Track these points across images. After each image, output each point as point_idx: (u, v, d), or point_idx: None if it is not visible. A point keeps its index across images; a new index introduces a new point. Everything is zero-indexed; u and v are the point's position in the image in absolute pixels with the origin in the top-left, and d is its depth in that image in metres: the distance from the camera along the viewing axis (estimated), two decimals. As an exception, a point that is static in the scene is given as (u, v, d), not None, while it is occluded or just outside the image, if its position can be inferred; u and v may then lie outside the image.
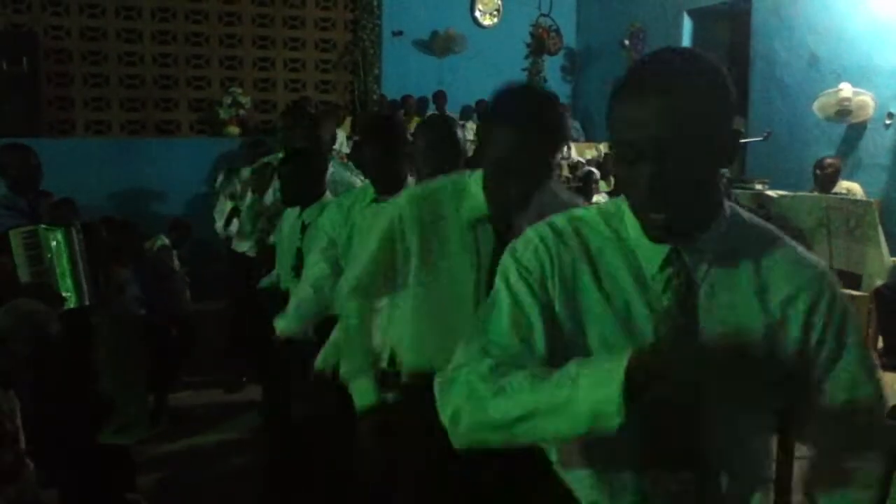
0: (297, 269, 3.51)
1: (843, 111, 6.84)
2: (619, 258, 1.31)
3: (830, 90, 6.90)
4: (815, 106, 6.98)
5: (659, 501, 1.33)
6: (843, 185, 6.12)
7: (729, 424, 1.31)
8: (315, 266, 2.96)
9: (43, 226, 3.54)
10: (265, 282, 3.89)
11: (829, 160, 6.16)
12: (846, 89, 6.79)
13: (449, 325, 1.87)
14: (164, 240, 5.24)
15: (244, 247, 4.83)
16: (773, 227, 1.40)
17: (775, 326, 1.28)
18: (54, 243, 3.51)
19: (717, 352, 1.23)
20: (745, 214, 1.37)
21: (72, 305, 3.47)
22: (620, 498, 1.33)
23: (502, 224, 1.92)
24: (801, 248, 1.37)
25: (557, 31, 9.53)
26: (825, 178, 6.02)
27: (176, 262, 4.97)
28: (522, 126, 1.76)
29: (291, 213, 3.66)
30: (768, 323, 1.28)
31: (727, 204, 1.33)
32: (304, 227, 3.51)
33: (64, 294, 3.51)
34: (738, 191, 5.79)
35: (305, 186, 3.51)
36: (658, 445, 1.29)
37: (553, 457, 1.40)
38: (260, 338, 3.71)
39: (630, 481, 1.33)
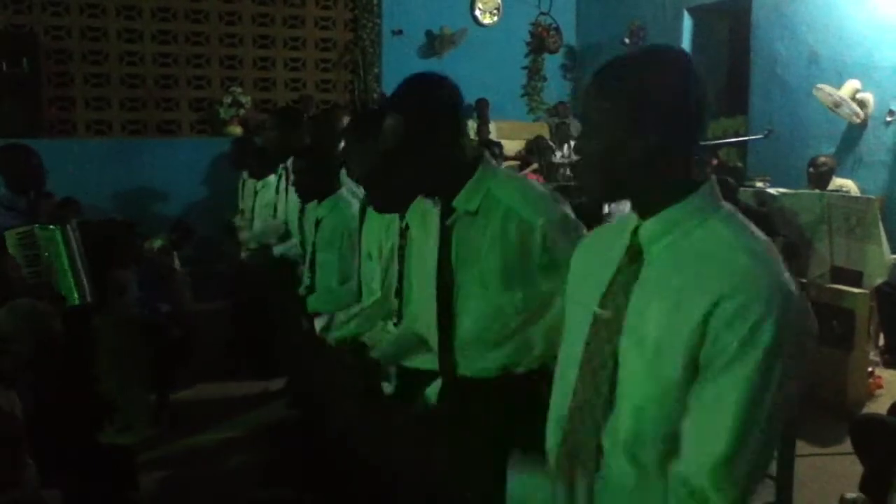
0: (312, 264, 3.55)
1: (833, 109, 6.84)
2: None
3: (830, 86, 6.89)
4: (815, 93, 6.95)
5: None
6: (837, 182, 6.13)
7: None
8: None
9: (38, 225, 3.55)
10: (279, 249, 3.95)
11: (822, 158, 6.16)
12: (848, 87, 6.78)
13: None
14: (164, 240, 5.24)
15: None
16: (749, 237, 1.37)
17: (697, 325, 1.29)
18: (51, 242, 3.51)
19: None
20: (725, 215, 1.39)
21: (74, 303, 3.48)
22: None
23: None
24: (760, 261, 1.32)
25: (557, 29, 9.53)
26: (819, 176, 6.02)
27: (177, 263, 4.97)
28: (390, 113, 2.02)
29: (311, 209, 3.70)
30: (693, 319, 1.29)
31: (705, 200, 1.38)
32: (317, 223, 3.54)
33: (64, 292, 3.52)
34: (739, 188, 5.78)
35: (320, 182, 3.54)
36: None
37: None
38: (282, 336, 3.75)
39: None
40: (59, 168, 4.63)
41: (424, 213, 2.26)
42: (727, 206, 1.40)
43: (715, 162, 6.96)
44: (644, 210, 1.40)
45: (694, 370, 1.29)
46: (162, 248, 5.14)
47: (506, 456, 1.57)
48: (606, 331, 1.41)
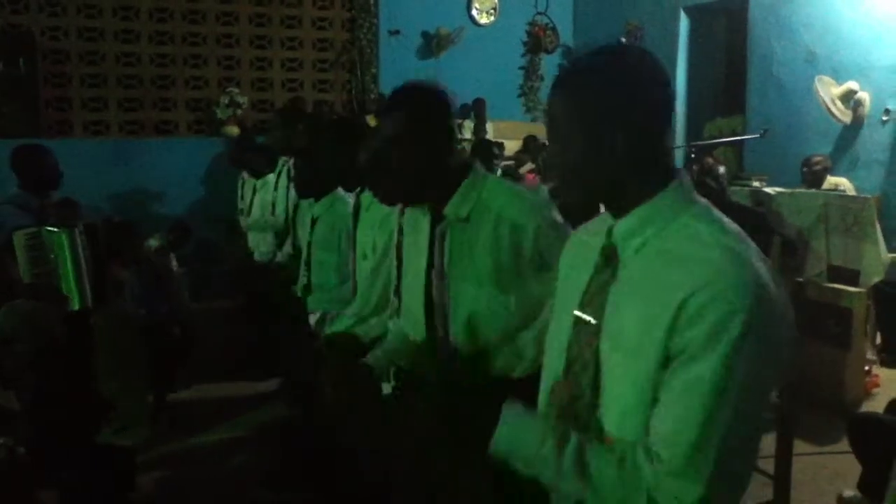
0: (308, 262, 3.56)
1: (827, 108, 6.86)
2: None
3: (830, 82, 6.90)
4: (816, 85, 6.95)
5: None
6: (832, 181, 6.14)
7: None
8: None
9: (47, 227, 3.56)
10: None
11: (816, 157, 6.19)
12: (846, 88, 6.79)
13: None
14: (161, 240, 5.23)
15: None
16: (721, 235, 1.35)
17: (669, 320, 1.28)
18: (58, 245, 3.53)
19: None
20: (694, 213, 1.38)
21: (73, 307, 3.49)
22: None
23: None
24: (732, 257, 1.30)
25: (554, 29, 9.52)
26: (813, 175, 6.05)
27: (174, 263, 4.97)
28: (381, 121, 2.16)
29: (307, 208, 3.71)
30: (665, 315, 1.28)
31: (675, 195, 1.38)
32: (314, 222, 3.55)
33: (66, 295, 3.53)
34: (735, 188, 5.79)
35: (318, 180, 3.54)
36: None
37: None
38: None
39: None
40: (56, 168, 4.63)
41: (416, 218, 2.27)
42: (701, 201, 1.39)
43: (696, 167, 6.97)
44: (617, 209, 1.41)
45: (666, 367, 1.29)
46: (159, 248, 5.14)
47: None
48: (587, 333, 1.40)
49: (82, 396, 3.24)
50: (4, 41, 7.42)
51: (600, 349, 1.37)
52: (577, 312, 1.43)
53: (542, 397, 1.54)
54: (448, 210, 2.07)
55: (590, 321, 1.40)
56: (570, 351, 1.43)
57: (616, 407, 1.35)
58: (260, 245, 5.54)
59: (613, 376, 1.35)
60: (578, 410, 1.40)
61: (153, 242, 5.16)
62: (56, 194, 4.30)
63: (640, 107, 1.35)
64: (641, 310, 1.31)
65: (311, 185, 3.59)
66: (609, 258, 1.40)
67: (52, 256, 3.52)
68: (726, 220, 1.38)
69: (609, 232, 1.41)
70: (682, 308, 1.25)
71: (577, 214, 1.65)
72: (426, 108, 2.06)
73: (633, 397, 1.32)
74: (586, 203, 1.48)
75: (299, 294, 3.63)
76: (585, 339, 1.40)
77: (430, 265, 2.11)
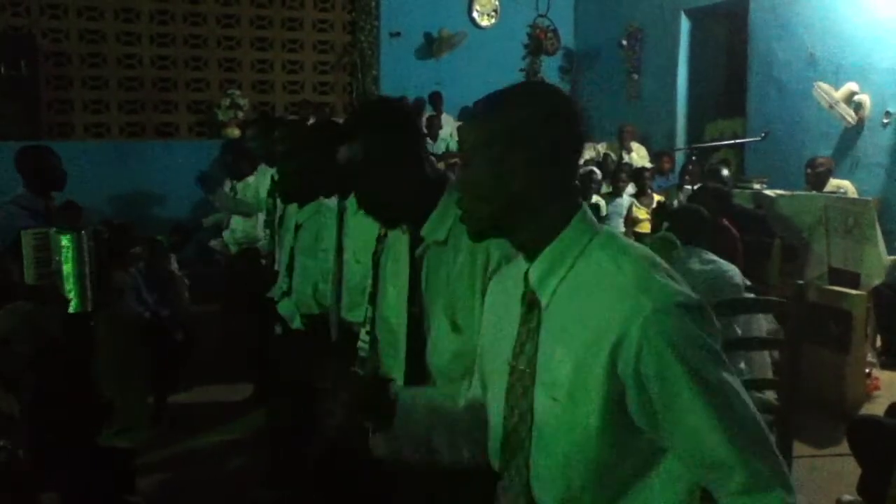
0: (290, 268, 3.54)
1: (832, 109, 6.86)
2: None
3: (830, 85, 6.91)
4: (815, 92, 6.96)
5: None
6: (835, 184, 6.15)
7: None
8: None
9: (54, 229, 3.59)
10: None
11: (820, 159, 6.19)
12: (846, 90, 6.79)
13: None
14: (163, 242, 5.23)
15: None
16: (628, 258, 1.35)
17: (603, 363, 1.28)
18: (64, 248, 3.54)
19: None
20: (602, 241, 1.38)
21: (73, 310, 3.50)
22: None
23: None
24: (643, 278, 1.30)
25: (555, 31, 9.52)
26: (816, 178, 6.05)
27: (175, 265, 4.97)
28: (352, 133, 2.02)
29: (291, 214, 3.68)
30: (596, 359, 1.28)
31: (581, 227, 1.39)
32: (297, 227, 3.53)
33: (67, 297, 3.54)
34: (736, 190, 5.80)
35: (300, 186, 3.52)
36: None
37: None
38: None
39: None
40: (57, 170, 4.63)
41: (396, 237, 2.18)
42: (601, 228, 1.40)
43: (697, 168, 6.98)
44: (528, 253, 1.40)
45: (618, 414, 1.28)
46: (159, 249, 5.12)
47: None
48: (521, 383, 1.39)
49: (82, 397, 3.25)
50: (6, 43, 7.44)
51: (536, 399, 1.36)
52: (511, 362, 1.41)
53: (490, 452, 1.50)
54: (425, 232, 1.98)
55: (524, 370, 1.38)
56: (508, 401, 1.41)
57: (555, 455, 1.33)
58: (236, 231, 5.61)
59: (552, 426, 1.34)
60: (520, 466, 1.39)
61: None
62: (57, 196, 4.31)
63: (546, 137, 1.35)
64: (571, 357, 1.31)
65: (293, 192, 3.56)
66: (531, 305, 1.39)
67: (57, 258, 3.54)
68: (627, 241, 1.40)
69: (525, 278, 1.40)
70: (615, 360, 1.26)
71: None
72: (381, 133, 1.98)
73: (574, 445, 1.30)
74: (487, 232, 1.44)
75: (276, 299, 3.62)
76: (520, 390, 1.39)
77: (410, 294, 2.03)
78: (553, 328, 1.35)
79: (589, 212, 1.41)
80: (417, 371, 2.03)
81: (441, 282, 1.96)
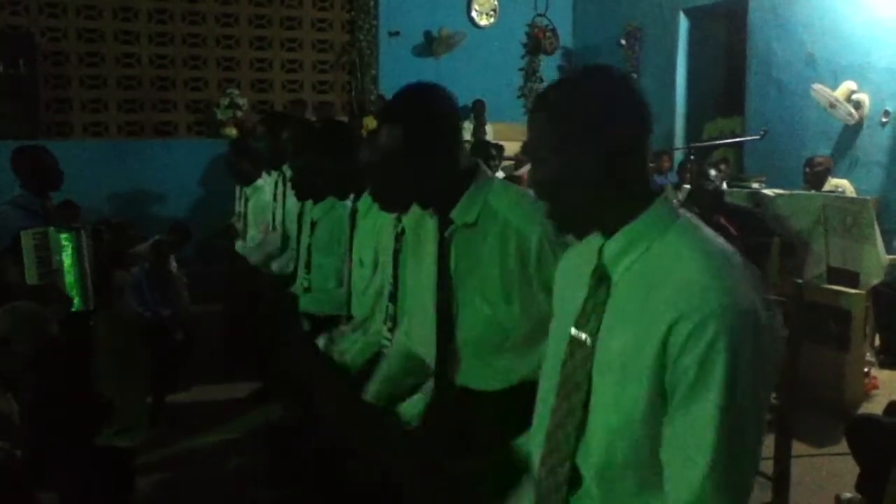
0: (308, 265, 3.55)
1: (829, 109, 6.87)
2: None
3: (828, 86, 6.92)
4: (813, 93, 6.97)
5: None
6: (833, 183, 6.15)
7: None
8: None
9: (53, 228, 3.58)
10: (276, 266, 3.94)
11: (818, 158, 6.20)
12: (845, 89, 6.80)
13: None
14: (165, 242, 5.22)
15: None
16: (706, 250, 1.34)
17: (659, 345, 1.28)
18: (64, 246, 3.54)
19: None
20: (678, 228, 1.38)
21: (75, 309, 3.50)
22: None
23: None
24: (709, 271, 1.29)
25: (554, 30, 9.52)
26: (815, 177, 6.05)
27: (174, 265, 4.97)
28: (381, 124, 2.09)
29: (307, 209, 3.69)
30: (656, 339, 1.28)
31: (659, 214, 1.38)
32: (312, 225, 3.54)
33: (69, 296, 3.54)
34: (734, 189, 5.80)
35: (313, 185, 3.53)
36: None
37: None
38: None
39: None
40: (56, 170, 4.63)
41: (419, 222, 2.24)
42: (685, 214, 1.39)
43: (689, 165, 6.98)
44: (606, 229, 1.40)
45: (660, 399, 1.28)
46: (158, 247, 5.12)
47: (506, 465, 1.57)
48: (581, 353, 1.40)
49: (82, 397, 3.25)
50: (4, 42, 7.44)
51: (593, 371, 1.37)
52: (573, 332, 1.42)
53: (537, 419, 1.54)
54: (455, 215, 2.03)
55: (584, 341, 1.40)
56: (564, 370, 1.43)
57: (602, 430, 1.35)
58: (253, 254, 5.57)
59: (601, 400, 1.35)
60: (568, 433, 1.40)
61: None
62: (56, 195, 4.30)
63: (619, 124, 1.35)
64: (629, 334, 1.31)
65: (307, 190, 3.58)
66: (601, 279, 1.40)
67: (58, 258, 3.54)
68: (710, 233, 1.38)
69: (599, 252, 1.40)
70: (668, 337, 1.25)
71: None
72: (425, 118, 2.01)
73: (620, 422, 1.31)
74: (574, 225, 1.45)
75: (299, 294, 3.62)
76: (579, 360, 1.40)
77: (439, 271, 2.07)
78: (619, 305, 1.36)
79: (671, 198, 1.41)
80: (447, 345, 2.09)
81: (472, 262, 2.02)
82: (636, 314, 1.31)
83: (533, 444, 1.53)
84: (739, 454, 1.24)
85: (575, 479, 1.40)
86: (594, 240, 1.44)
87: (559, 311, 1.55)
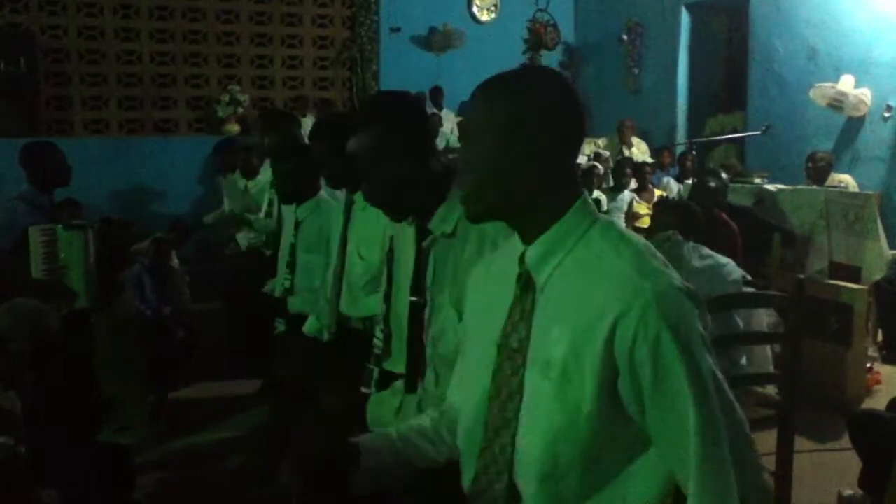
0: (292, 265, 3.54)
1: (835, 105, 6.84)
2: None
3: (828, 83, 6.90)
4: (812, 94, 6.97)
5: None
6: (836, 178, 6.14)
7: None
8: None
9: (61, 225, 3.60)
10: (268, 287, 3.91)
11: (820, 154, 6.19)
12: (845, 83, 6.78)
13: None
14: (166, 240, 5.21)
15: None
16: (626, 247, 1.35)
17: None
18: (71, 245, 3.55)
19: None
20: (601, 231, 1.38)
21: (81, 305, 3.51)
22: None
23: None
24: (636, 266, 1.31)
25: (555, 26, 9.51)
26: (817, 172, 6.04)
27: (175, 262, 4.96)
28: (360, 128, 2.04)
29: (289, 211, 3.68)
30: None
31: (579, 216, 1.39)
32: (297, 225, 3.53)
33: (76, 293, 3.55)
34: (736, 185, 5.78)
35: (301, 183, 3.52)
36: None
37: None
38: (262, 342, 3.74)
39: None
40: (56, 167, 4.62)
41: (400, 229, 2.22)
42: (602, 217, 1.41)
43: (688, 162, 6.96)
44: (526, 236, 1.40)
45: (609, 398, 1.28)
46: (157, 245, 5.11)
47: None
48: (512, 361, 1.39)
49: (82, 396, 3.25)
50: (5, 40, 7.42)
51: (525, 378, 1.36)
52: (501, 339, 1.41)
53: (463, 438, 1.51)
54: (433, 224, 2.00)
55: (516, 348, 1.39)
56: (497, 379, 1.41)
57: (543, 434, 1.33)
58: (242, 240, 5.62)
59: (540, 403, 1.34)
60: (504, 445, 1.39)
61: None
62: (56, 193, 4.31)
63: (552, 123, 1.35)
64: (566, 334, 1.31)
65: (289, 192, 3.57)
66: (527, 285, 1.40)
67: (63, 255, 3.55)
68: (626, 230, 1.41)
69: (522, 258, 1.40)
70: (612, 338, 1.26)
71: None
72: (397, 123, 2.00)
73: (563, 422, 1.30)
74: (484, 216, 1.44)
75: (277, 296, 3.61)
76: (512, 367, 1.39)
77: (415, 283, 2.05)
78: (549, 309, 1.36)
79: (590, 200, 1.42)
80: (418, 360, 2.06)
81: (448, 273, 1.99)
82: (571, 313, 1.32)
83: (463, 460, 1.50)
84: (724, 406, 1.25)
85: (512, 491, 1.39)
86: (512, 247, 1.45)
87: (479, 320, 1.53)
